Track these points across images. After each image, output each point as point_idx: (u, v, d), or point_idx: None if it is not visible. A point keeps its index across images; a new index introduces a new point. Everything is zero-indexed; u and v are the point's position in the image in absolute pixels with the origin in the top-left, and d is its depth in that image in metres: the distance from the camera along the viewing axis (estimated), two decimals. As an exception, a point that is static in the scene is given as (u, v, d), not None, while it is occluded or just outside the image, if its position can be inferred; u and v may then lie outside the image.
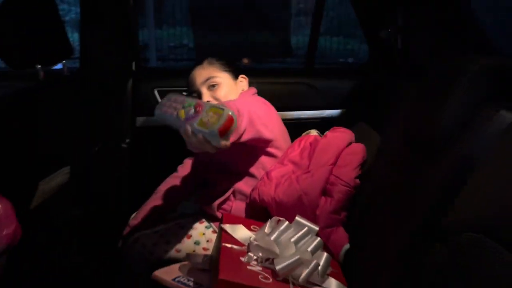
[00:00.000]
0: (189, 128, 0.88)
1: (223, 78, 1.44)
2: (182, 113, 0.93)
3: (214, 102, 1.40)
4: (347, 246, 1.08)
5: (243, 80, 1.52)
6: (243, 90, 1.50)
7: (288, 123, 1.55)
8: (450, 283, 0.71)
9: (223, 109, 0.88)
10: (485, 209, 0.68)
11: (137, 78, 1.77)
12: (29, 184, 1.16)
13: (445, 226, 0.73)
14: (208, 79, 1.42)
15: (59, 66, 1.40)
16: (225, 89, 1.42)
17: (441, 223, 0.74)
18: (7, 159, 1.09)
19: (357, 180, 1.18)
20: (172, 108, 0.96)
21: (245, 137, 1.15)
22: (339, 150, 1.22)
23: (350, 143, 1.27)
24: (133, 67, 1.79)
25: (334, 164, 1.20)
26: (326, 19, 7.01)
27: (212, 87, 1.42)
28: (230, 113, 0.87)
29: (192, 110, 0.92)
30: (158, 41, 6.69)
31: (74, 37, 1.72)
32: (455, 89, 0.85)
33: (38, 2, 1.20)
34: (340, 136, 1.28)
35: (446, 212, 0.73)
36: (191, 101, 0.95)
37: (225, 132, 0.87)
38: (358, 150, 1.23)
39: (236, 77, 1.49)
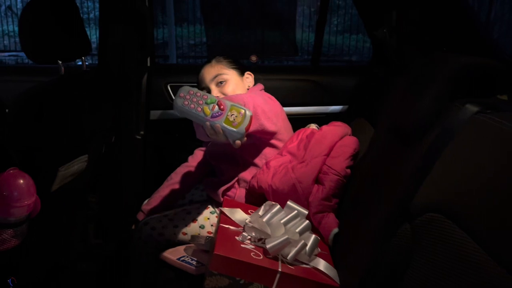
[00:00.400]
0: (218, 125, 1.02)
1: (230, 75, 1.55)
2: (206, 110, 1.04)
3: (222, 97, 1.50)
4: (335, 230, 1.16)
5: (249, 77, 1.62)
6: (249, 86, 1.60)
7: (294, 118, 1.64)
8: (412, 259, 0.79)
9: (244, 109, 1.03)
10: (444, 191, 0.76)
11: (152, 74, 1.88)
12: (50, 169, 1.27)
13: (412, 207, 0.81)
14: (216, 76, 1.54)
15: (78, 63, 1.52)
16: (232, 85, 1.53)
17: (410, 205, 0.82)
18: (31, 145, 1.20)
19: (348, 170, 1.26)
20: (194, 103, 1.06)
21: (249, 130, 1.25)
22: (333, 142, 1.31)
23: (344, 136, 1.35)
24: (148, 63, 1.90)
25: (328, 155, 1.28)
26: (346, 17, 7.03)
27: (220, 83, 1.53)
28: (251, 114, 1.04)
29: (216, 108, 1.04)
30: (178, 39, 6.82)
31: (98, 34, 1.83)
32: (432, 85, 0.92)
33: (59, 2, 1.31)
34: (334, 129, 1.36)
35: (414, 195, 0.81)
36: (212, 97, 1.06)
37: (249, 129, 1.04)
38: (350, 143, 1.31)
39: (242, 73, 1.60)
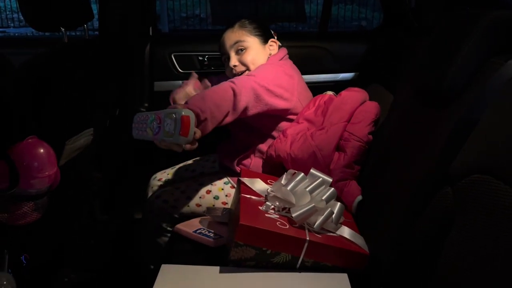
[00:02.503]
0: (161, 142, 0.98)
1: (251, 42, 1.45)
2: (149, 131, 1.02)
3: (241, 67, 1.42)
4: (359, 197, 1.13)
5: (273, 44, 1.51)
6: (271, 54, 1.50)
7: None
8: (454, 223, 0.76)
9: (174, 113, 0.94)
10: (493, 151, 0.72)
11: (155, 44, 1.80)
12: (56, 143, 1.22)
13: (454, 170, 0.77)
14: (236, 43, 1.44)
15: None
16: (252, 54, 1.43)
17: (450, 167, 0.78)
18: (35, 117, 1.15)
19: (370, 136, 1.22)
20: (141, 129, 1.06)
21: (252, 112, 1.23)
22: (353, 108, 1.26)
23: (364, 102, 1.31)
24: (150, 33, 1.83)
25: (348, 121, 1.24)
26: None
27: (240, 51, 1.44)
28: (183, 113, 0.93)
29: (155, 124, 1.00)
30: (170, 12, 6.66)
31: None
32: (466, 41, 0.87)
33: None
34: (354, 94, 1.32)
35: (455, 156, 0.78)
36: (152, 116, 1.03)
37: (187, 131, 0.94)
38: (372, 108, 1.27)
39: (266, 41, 1.49)
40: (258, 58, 1.44)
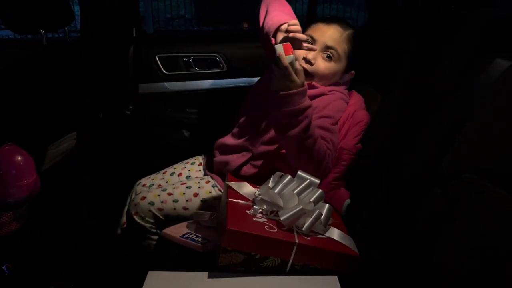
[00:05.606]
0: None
1: (342, 61, 1.31)
2: None
3: (310, 67, 1.27)
4: (348, 201, 1.13)
5: (348, 77, 1.38)
6: (339, 83, 1.36)
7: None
8: (444, 226, 0.75)
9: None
10: (482, 151, 0.71)
11: (138, 45, 1.77)
12: (38, 148, 1.19)
13: (443, 171, 0.76)
14: (333, 48, 1.28)
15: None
16: (330, 71, 1.30)
17: (439, 168, 0.78)
18: (17, 122, 1.12)
19: (359, 145, 1.21)
20: None
21: None
22: (347, 125, 1.26)
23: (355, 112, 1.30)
24: (134, 34, 1.80)
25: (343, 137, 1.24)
26: (324, -14, 6.92)
27: (328, 57, 1.28)
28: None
29: None
30: (154, 13, 6.61)
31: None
32: (456, 39, 0.87)
33: None
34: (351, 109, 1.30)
35: (445, 157, 0.77)
36: None
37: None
38: (362, 118, 1.25)
39: (348, 70, 1.36)
40: (328, 78, 1.31)
